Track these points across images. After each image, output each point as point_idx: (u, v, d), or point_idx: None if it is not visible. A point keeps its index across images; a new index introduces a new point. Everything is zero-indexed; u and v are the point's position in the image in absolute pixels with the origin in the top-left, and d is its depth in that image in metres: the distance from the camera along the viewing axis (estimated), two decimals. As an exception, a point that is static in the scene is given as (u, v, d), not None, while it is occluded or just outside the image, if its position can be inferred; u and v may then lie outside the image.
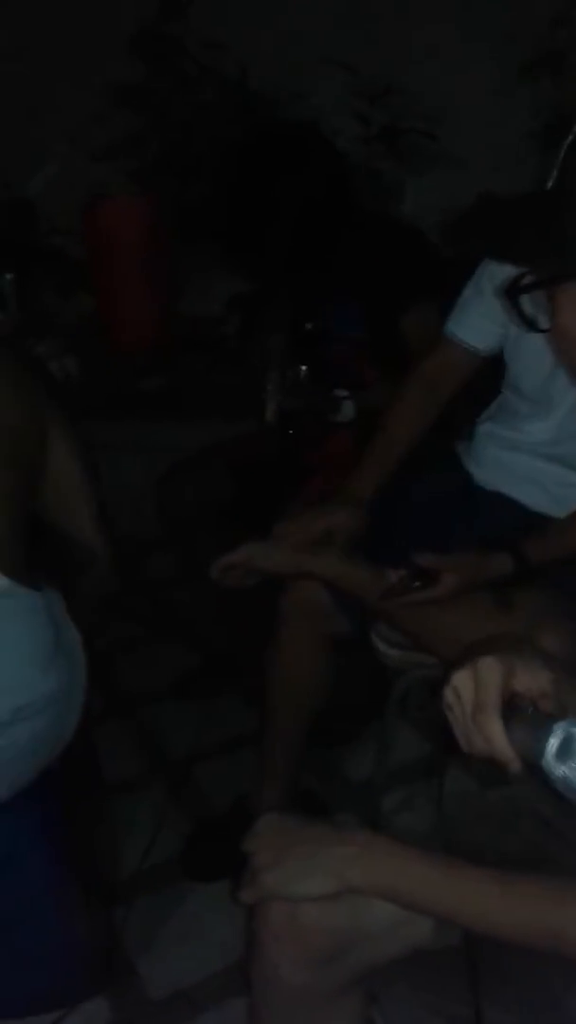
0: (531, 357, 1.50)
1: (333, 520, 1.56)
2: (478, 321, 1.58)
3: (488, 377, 1.66)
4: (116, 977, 1.49)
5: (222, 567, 1.55)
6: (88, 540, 1.35)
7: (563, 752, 0.78)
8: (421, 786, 1.82)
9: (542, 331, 0.76)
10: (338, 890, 0.84)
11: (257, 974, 0.90)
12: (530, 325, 0.76)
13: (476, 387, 1.68)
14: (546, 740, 0.79)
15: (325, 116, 1.87)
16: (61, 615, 1.29)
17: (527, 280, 0.72)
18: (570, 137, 0.73)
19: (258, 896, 0.87)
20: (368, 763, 1.85)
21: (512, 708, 0.83)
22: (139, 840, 1.65)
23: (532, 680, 0.83)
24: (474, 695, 0.83)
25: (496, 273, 1.47)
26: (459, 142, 2.76)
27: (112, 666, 2.32)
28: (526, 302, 0.74)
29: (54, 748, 1.29)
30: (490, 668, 0.83)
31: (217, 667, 2.26)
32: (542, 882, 0.82)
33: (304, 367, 1.90)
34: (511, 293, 0.73)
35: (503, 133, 2.72)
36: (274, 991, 0.89)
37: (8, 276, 2.03)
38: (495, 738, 0.81)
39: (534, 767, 0.81)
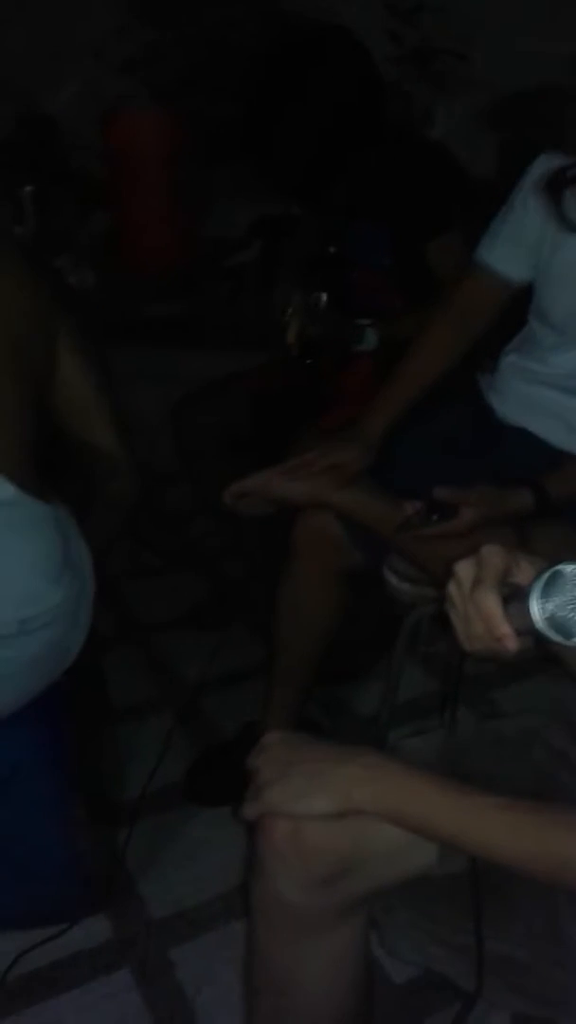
0: (561, 285, 1.44)
1: (339, 457, 1.52)
2: (510, 249, 1.52)
3: (514, 307, 1.60)
4: (118, 896, 1.50)
5: (236, 493, 1.52)
6: (108, 449, 1.32)
7: (549, 589, 0.76)
8: (430, 723, 1.81)
9: None
10: (343, 810, 0.83)
11: (257, 892, 0.89)
12: (570, 227, 0.71)
13: (501, 317, 1.63)
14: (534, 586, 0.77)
15: (356, 33, 1.79)
16: (71, 529, 1.27)
17: (573, 172, 0.67)
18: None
19: (261, 812, 0.85)
20: (375, 699, 1.85)
21: (512, 594, 0.81)
22: (145, 764, 1.65)
23: (534, 573, 0.81)
24: (474, 574, 0.81)
25: (538, 175, 1.40)
26: (491, 65, 2.66)
27: (125, 594, 2.32)
28: (569, 201, 0.70)
29: (60, 663, 1.28)
30: (493, 552, 0.82)
31: (228, 598, 2.25)
32: (551, 811, 0.81)
33: (325, 293, 1.84)
34: (555, 185, 0.68)
35: (536, 57, 2.61)
36: (273, 910, 0.88)
37: (27, 189, 1.99)
38: (491, 612, 0.79)
39: (531, 638, 0.79)
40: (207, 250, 2.64)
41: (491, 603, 0.79)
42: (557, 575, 0.76)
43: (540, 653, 0.85)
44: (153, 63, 2.59)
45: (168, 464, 2.16)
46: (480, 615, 0.80)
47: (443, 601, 0.86)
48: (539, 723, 1.02)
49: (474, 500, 1.36)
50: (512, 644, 0.79)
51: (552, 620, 0.76)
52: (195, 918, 1.47)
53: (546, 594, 0.76)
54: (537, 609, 0.76)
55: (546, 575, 0.77)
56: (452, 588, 0.84)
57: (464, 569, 0.83)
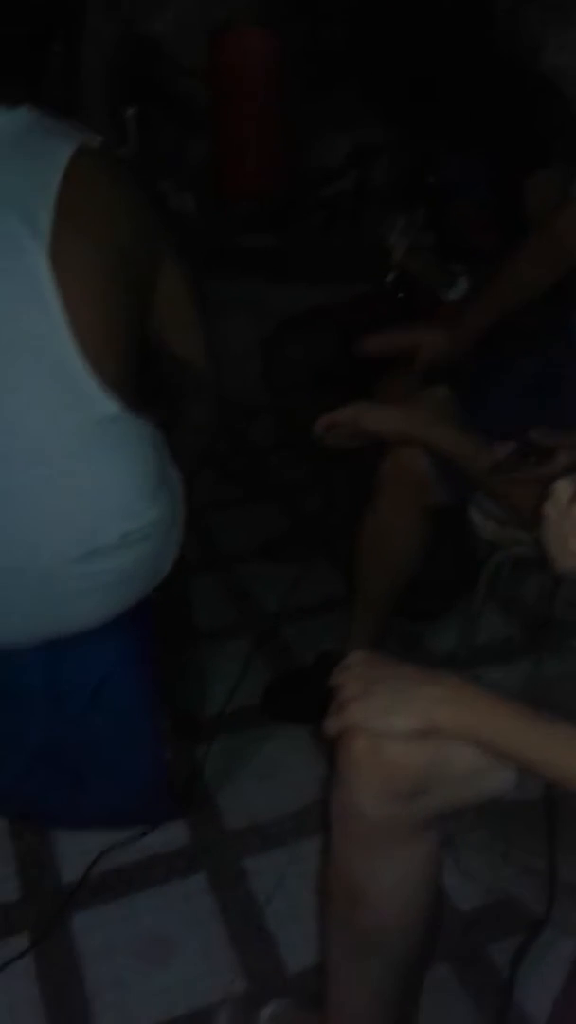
0: None
1: (421, 339, 1.50)
2: None
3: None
4: (195, 805, 1.57)
5: (326, 424, 1.53)
6: (197, 366, 1.34)
7: None
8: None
9: None
10: (424, 728, 0.85)
11: (335, 805, 0.92)
12: None
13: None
14: None
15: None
16: (165, 449, 1.31)
17: None
18: None
19: (343, 726, 0.88)
20: (453, 640, 1.87)
21: None
22: (223, 686, 1.70)
23: None
24: (573, 491, 0.82)
25: None
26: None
27: (207, 522, 2.37)
28: None
29: (153, 578, 1.33)
30: None
31: (308, 532, 2.28)
32: None
33: (423, 210, 1.81)
34: None
35: None
36: (351, 823, 0.91)
37: (131, 111, 1.98)
38: None
39: None
40: (305, 180, 2.61)
41: None
42: None
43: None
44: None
45: (252, 396, 2.17)
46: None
47: (536, 528, 0.87)
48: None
49: (570, 443, 1.35)
50: None
51: None
52: (268, 832, 1.52)
53: None
54: None
55: None
56: (548, 506, 0.84)
57: (563, 486, 0.84)
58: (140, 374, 1.24)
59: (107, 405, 1.17)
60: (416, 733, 0.86)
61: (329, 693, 0.93)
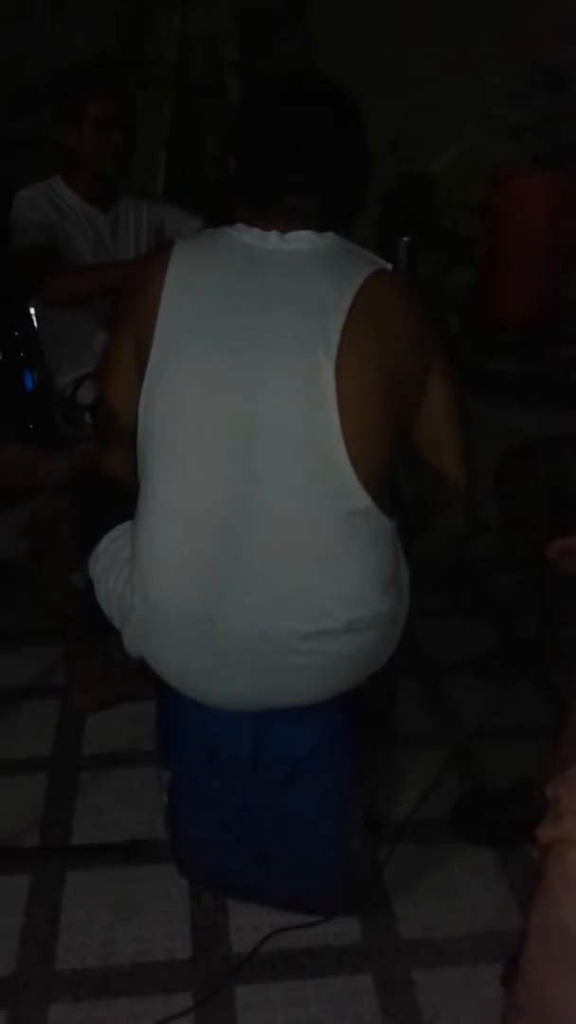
0: None
1: None
2: None
3: None
4: (372, 906, 1.55)
5: (561, 548, 1.53)
6: (451, 477, 1.40)
7: None
8: None
9: None
10: None
11: (537, 915, 0.91)
12: None
13: None
14: None
15: None
16: (399, 549, 1.36)
17: None
18: None
19: (556, 837, 0.87)
20: None
21: None
22: (413, 793, 1.70)
23: None
24: None
25: None
26: None
27: (415, 630, 2.38)
28: None
29: (369, 668, 1.37)
30: None
31: (519, 653, 2.25)
32: None
33: None
34: None
35: None
36: (553, 935, 0.89)
37: (405, 239, 2.14)
38: None
39: None
40: (565, 313, 2.67)
41: None
42: None
43: None
44: (540, 130, 2.67)
45: (477, 513, 2.20)
46: None
47: None
48: None
49: None
50: None
51: None
52: (443, 948, 1.48)
53: None
54: None
55: None
56: None
57: None
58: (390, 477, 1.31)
59: (362, 499, 1.25)
60: None
61: (526, 820, 0.92)
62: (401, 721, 1.93)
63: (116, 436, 1.43)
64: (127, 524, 1.46)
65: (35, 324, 2.54)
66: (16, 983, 1.42)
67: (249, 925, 1.52)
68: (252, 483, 1.25)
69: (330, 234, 1.32)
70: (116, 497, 1.56)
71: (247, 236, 1.32)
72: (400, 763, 1.86)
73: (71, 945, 1.49)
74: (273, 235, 1.30)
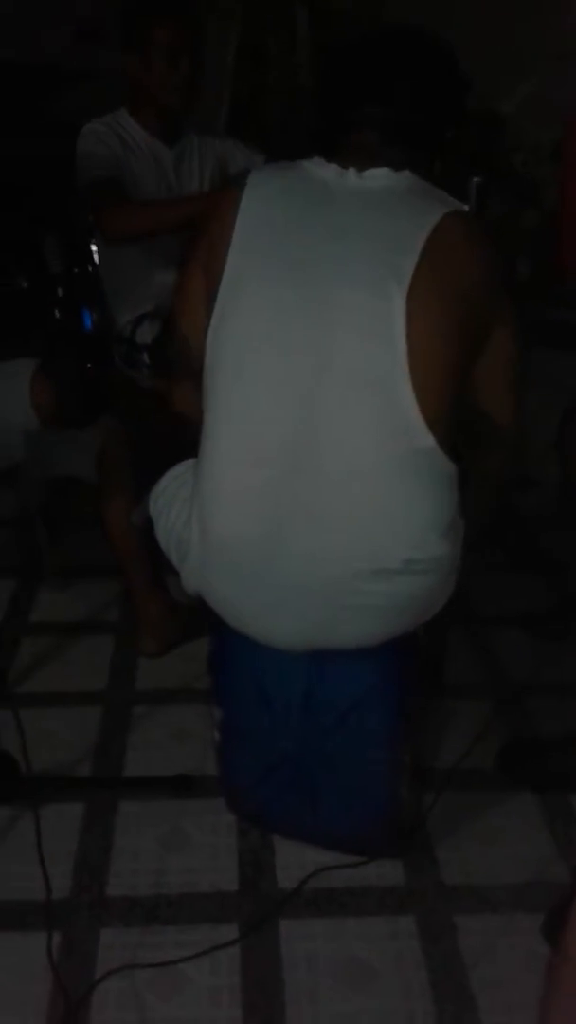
0: None
1: None
2: None
3: None
4: (415, 851, 1.58)
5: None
6: (505, 422, 1.39)
7: None
8: None
9: None
10: None
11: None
12: None
13: None
14: None
15: None
16: (458, 495, 1.35)
17: None
18: None
19: None
20: None
21: None
22: (459, 742, 1.72)
23: None
24: None
25: None
26: None
27: (469, 582, 2.37)
28: None
29: (423, 614, 1.38)
30: None
31: (571, 610, 2.23)
32: None
33: None
34: None
35: None
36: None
37: (476, 180, 2.10)
38: None
39: None
40: None
41: None
42: None
43: None
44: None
45: (533, 468, 2.18)
46: None
47: None
48: None
49: None
50: None
51: None
52: (484, 895, 1.50)
53: None
54: None
55: None
56: None
57: None
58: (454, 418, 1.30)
59: (426, 438, 1.25)
60: None
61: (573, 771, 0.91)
62: (450, 672, 1.95)
63: (188, 367, 1.43)
64: (190, 462, 1.47)
65: (96, 263, 2.55)
66: (69, 906, 1.47)
67: (294, 862, 1.55)
68: (317, 416, 1.26)
69: (407, 172, 1.31)
70: (179, 436, 1.58)
71: (324, 171, 1.32)
72: (447, 713, 1.87)
73: (121, 872, 1.54)
74: (351, 171, 1.31)
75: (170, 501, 1.51)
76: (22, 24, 3.61)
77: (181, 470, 1.53)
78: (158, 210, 2.19)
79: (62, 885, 1.50)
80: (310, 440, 1.27)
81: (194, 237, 1.47)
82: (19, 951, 1.39)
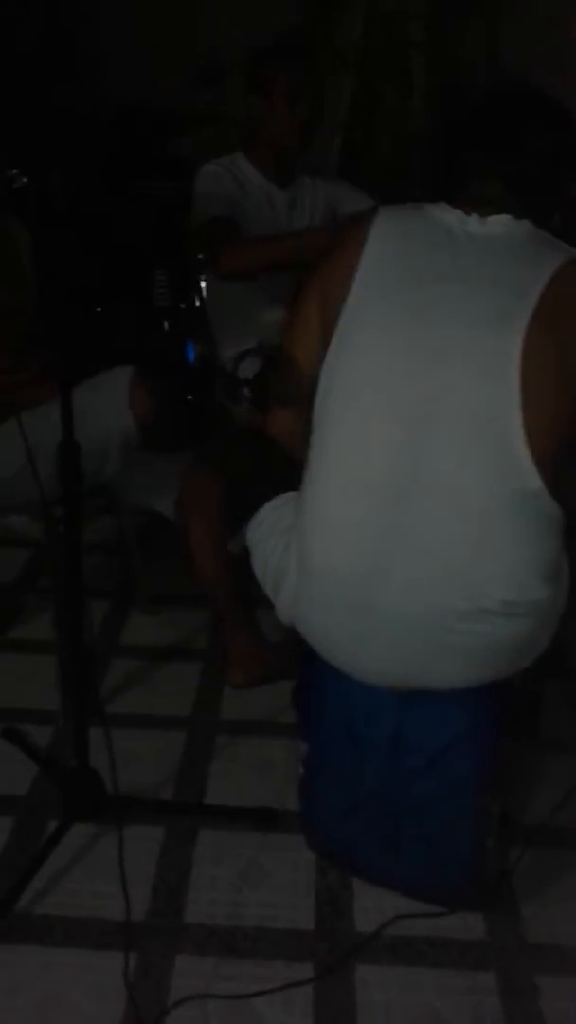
0: None
1: None
2: None
3: None
4: (499, 906, 1.53)
5: None
6: None
7: None
8: None
9: None
10: None
11: None
12: None
13: None
14: None
15: None
16: (563, 541, 1.33)
17: None
18: None
19: None
20: None
21: None
22: (551, 797, 1.67)
23: None
24: None
25: None
26: None
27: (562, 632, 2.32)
28: None
29: (520, 659, 1.36)
30: None
31: None
32: None
33: None
34: None
35: None
36: None
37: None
38: None
39: None
40: None
41: None
42: None
43: None
44: None
45: None
46: None
47: None
48: None
49: None
50: None
51: None
52: (570, 956, 1.45)
53: None
54: None
55: None
56: None
57: None
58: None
59: (534, 480, 1.24)
60: None
61: None
62: (545, 723, 1.89)
63: (293, 394, 1.46)
64: (289, 495, 1.48)
65: (203, 298, 2.61)
66: (146, 929, 1.47)
67: (373, 907, 1.52)
68: (426, 452, 1.27)
69: (527, 222, 1.34)
70: (277, 469, 1.59)
71: (448, 216, 1.35)
72: (540, 765, 1.82)
73: (199, 900, 1.53)
74: (473, 218, 1.34)
75: (268, 532, 1.53)
76: (143, 68, 3.76)
77: (280, 502, 1.55)
78: (265, 247, 2.24)
79: (139, 908, 1.50)
80: (417, 475, 1.28)
81: (314, 268, 1.50)
82: (95, 969, 1.39)
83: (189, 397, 2.40)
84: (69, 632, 1.53)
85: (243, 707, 2.06)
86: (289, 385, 1.50)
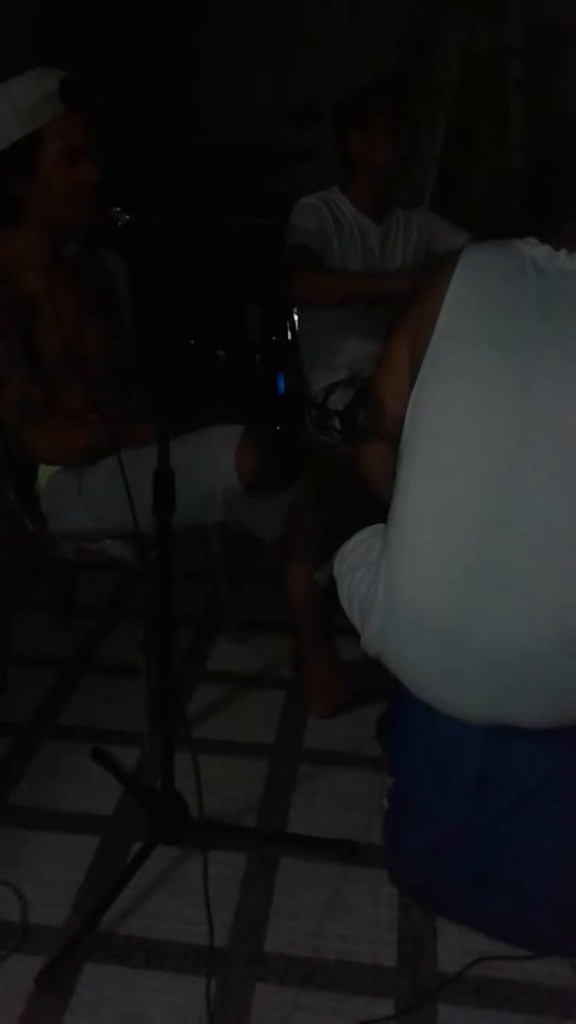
0: None
1: None
2: None
3: None
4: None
5: None
6: None
7: None
8: None
9: None
10: None
11: None
12: None
13: None
14: None
15: None
16: None
17: None
18: None
19: None
20: None
21: None
22: None
23: None
24: None
25: None
26: None
27: None
28: None
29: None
30: None
31: None
32: None
33: None
34: None
35: None
36: None
37: None
38: None
39: None
40: None
41: None
42: None
43: None
44: None
45: None
46: None
47: None
48: None
49: None
50: None
51: None
52: None
53: None
54: None
55: None
56: None
57: None
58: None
59: None
60: None
61: None
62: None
63: (382, 430, 1.46)
64: (378, 526, 1.49)
65: (295, 329, 2.65)
66: (228, 955, 1.48)
67: (457, 946, 1.50)
68: (516, 484, 1.27)
69: None
70: (366, 500, 1.60)
71: (537, 251, 1.36)
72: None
73: (280, 930, 1.53)
74: (562, 253, 1.34)
75: (356, 563, 1.53)
76: (241, 109, 3.87)
77: (368, 533, 1.56)
78: (342, 279, 2.28)
79: (220, 933, 1.50)
80: (506, 507, 1.27)
81: (404, 310, 1.51)
82: (176, 992, 1.40)
83: (278, 427, 2.42)
84: (159, 657, 1.55)
85: (327, 737, 2.06)
86: (377, 422, 1.51)
